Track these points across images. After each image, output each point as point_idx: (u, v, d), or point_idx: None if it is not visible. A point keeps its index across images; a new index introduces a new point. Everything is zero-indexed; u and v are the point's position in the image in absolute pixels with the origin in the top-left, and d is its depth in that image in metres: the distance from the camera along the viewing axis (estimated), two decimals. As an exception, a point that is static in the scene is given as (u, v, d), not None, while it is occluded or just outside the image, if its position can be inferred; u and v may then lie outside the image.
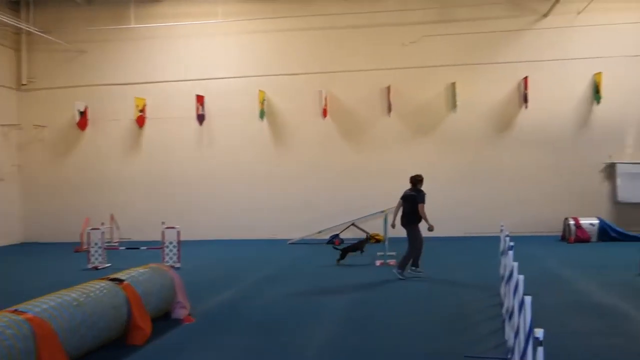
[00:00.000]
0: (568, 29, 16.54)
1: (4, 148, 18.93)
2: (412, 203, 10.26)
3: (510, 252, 6.49)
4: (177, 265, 12.35)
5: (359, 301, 8.59)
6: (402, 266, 10.27)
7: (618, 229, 15.10)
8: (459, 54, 17.15)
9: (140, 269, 7.46)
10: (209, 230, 17.96)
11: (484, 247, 14.48)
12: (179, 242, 12.57)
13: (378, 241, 15.96)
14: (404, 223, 10.41)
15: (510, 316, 5.59)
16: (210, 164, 18.32)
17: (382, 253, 12.45)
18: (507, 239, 7.61)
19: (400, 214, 10.58)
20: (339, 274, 11.09)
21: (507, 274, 6.67)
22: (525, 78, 16.50)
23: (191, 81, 18.25)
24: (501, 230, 7.96)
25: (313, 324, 7.26)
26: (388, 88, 17.17)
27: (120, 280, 6.65)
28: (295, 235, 16.99)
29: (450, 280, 10.12)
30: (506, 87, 16.97)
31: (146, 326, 6.62)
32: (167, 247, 12.65)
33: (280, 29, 17.89)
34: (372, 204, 16.53)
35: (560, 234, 15.52)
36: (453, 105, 16.95)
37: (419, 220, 10.21)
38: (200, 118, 18.16)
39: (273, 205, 17.83)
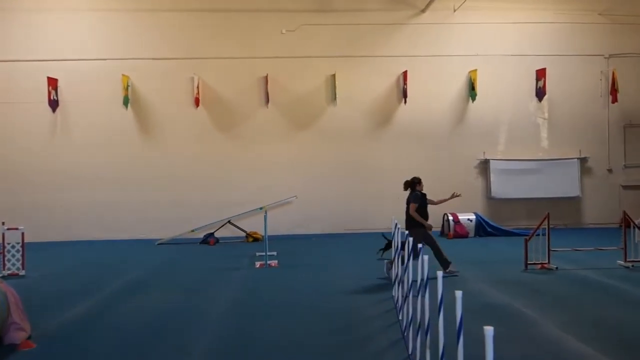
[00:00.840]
0: (445, 25, 16.69)
1: None
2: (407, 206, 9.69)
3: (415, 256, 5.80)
4: (22, 273, 10.45)
5: (237, 312, 7.51)
6: (446, 266, 9.33)
7: (493, 224, 15.44)
8: (338, 45, 16.64)
9: (-43, 284, 5.80)
10: (62, 231, 15.83)
11: (366, 244, 14.07)
12: (23, 246, 10.60)
13: (256, 240, 14.97)
14: (407, 227, 9.56)
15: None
16: (66, 156, 16.16)
17: (261, 253, 11.44)
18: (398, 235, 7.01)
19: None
20: (215, 279, 9.89)
21: (402, 275, 6.03)
22: (405, 73, 16.38)
23: (42, 62, 15.93)
24: (395, 227, 7.30)
25: (182, 343, 6.07)
26: (265, 78, 16.22)
27: None
28: (165, 234, 15.45)
29: (339, 281, 9.36)
30: (386, 82, 16.77)
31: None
32: (9, 251, 10.63)
33: (147, 7, 16.23)
34: (250, 201, 15.57)
35: (439, 229, 15.55)
36: (333, 97, 16.41)
37: (420, 223, 9.50)
38: (53, 104, 15.92)
39: (139, 202, 16.11)
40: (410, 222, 9.53)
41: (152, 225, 15.97)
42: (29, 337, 6.21)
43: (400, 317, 6.62)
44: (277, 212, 15.65)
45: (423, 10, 16.66)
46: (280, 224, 15.58)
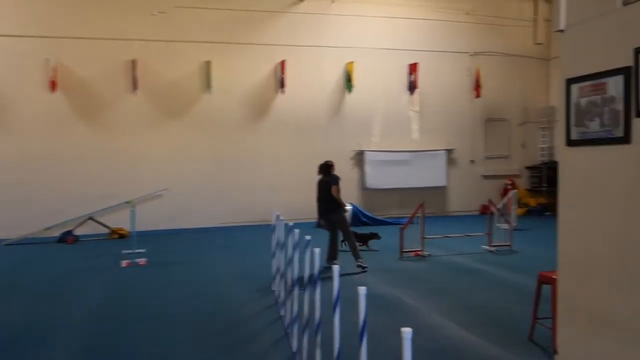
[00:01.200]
0: (323, 16, 16.58)
1: None
2: (327, 189, 9.32)
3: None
4: None
5: (101, 317, 6.71)
6: (358, 257, 9.04)
7: (368, 213, 15.67)
8: (214, 31, 15.86)
9: None
10: None
11: (242, 237, 13.64)
12: None
13: (123, 237, 13.87)
14: (325, 212, 9.39)
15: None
16: None
17: (128, 251, 10.52)
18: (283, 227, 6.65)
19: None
20: (74, 281, 8.87)
21: (285, 268, 5.67)
22: (282, 62, 16.06)
23: None
24: (277, 219, 6.92)
25: (40, 356, 5.23)
26: (133, 62, 15.05)
27: None
28: (13, 233, 13.74)
29: (214, 278, 8.81)
30: (263, 70, 16.29)
31: None
32: None
33: (-7, -24, 14.30)
34: (116, 194, 14.35)
35: (315, 220, 15.43)
36: (208, 86, 15.65)
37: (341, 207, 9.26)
38: None
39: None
40: (332, 206, 9.32)
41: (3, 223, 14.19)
42: None
43: (282, 313, 6.28)
44: (146, 206, 14.60)
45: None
46: (150, 219, 14.58)
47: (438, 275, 8.69)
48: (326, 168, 9.58)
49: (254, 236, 13.62)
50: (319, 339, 4.28)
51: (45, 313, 6.85)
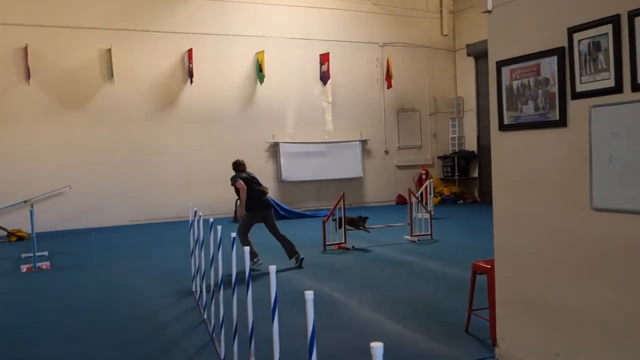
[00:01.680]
0: (232, 3, 16.02)
1: None
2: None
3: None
4: None
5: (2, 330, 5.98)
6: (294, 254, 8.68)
7: (286, 207, 15.38)
8: (114, 17, 14.85)
9: None
10: None
11: (152, 235, 12.93)
12: None
13: (22, 239, 12.71)
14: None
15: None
16: None
17: (29, 255, 9.59)
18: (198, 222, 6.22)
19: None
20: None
21: (206, 267, 5.25)
22: (190, 51, 15.36)
23: None
24: (196, 215, 6.45)
25: None
26: (25, 49, 13.79)
27: None
28: None
29: (126, 281, 8.18)
30: (170, 60, 15.50)
31: None
32: None
33: None
34: (11, 193, 13.11)
35: (231, 215, 14.97)
36: (110, 75, 14.67)
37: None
38: None
39: None
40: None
41: None
42: None
43: (205, 317, 5.87)
44: (47, 205, 13.47)
45: (208, -15, 15.77)
46: (52, 218, 13.50)
47: (363, 267, 8.58)
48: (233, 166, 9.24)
49: (167, 234, 12.95)
50: (252, 345, 3.95)
51: None
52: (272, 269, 3.19)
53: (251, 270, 7.62)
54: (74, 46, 14.52)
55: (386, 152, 18.41)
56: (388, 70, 17.77)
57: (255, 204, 8.63)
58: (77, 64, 14.61)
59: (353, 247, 9.98)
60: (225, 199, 15.07)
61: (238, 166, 9.14)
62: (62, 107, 14.48)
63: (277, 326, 3.34)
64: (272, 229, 8.77)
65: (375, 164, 18.18)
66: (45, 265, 9.40)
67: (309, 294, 2.46)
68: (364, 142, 17.86)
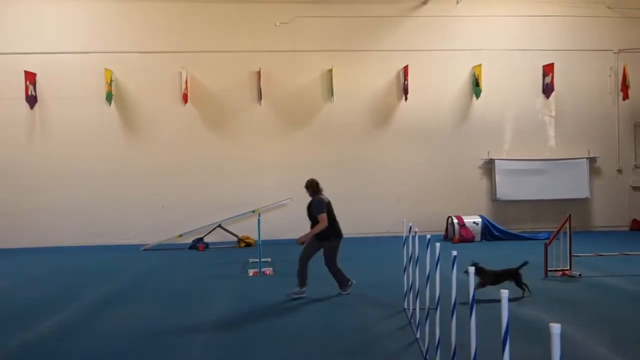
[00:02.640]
0: (448, 18, 15.83)
1: None
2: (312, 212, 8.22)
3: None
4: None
5: (229, 327, 6.56)
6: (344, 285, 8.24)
7: (500, 227, 14.56)
8: (335, 39, 15.73)
9: None
10: (40, 236, 14.78)
11: (364, 249, 13.18)
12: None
13: (249, 245, 14.02)
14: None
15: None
16: (45, 155, 15.07)
17: (255, 260, 10.48)
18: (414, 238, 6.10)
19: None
20: (203, 289, 8.92)
21: (410, 284, 5.08)
22: (405, 68, 15.51)
23: (17, 55, 14.88)
24: (410, 231, 6.37)
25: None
26: (258, 73, 15.27)
27: None
28: (151, 240, 14.46)
29: (340, 293, 8.42)
30: (386, 77, 15.86)
31: None
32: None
33: (132, -3, 15.21)
34: (242, 203, 14.64)
35: (442, 233, 14.66)
36: (330, 94, 15.50)
37: (325, 235, 8.11)
38: (31, 100, 14.88)
39: (123, 205, 15.08)
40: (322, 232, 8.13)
41: (136, 230, 14.97)
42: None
43: (419, 336, 5.72)
44: (271, 215, 14.72)
45: (424, 2, 15.79)
46: (275, 227, 14.64)
47: (593, 299, 7.62)
48: (308, 188, 8.46)
49: (377, 248, 13.14)
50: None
51: (172, 318, 6.84)
52: (505, 294, 2.91)
53: (296, 298, 7.21)
54: (298, 68, 15.67)
55: (619, 170, 16.37)
56: (624, 80, 15.81)
57: (337, 231, 8.17)
58: (302, 84, 15.72)
59: (580, 275, 8.96)
60: (437, 214, 14.90)
61: (317, 187, 8.34)
62: (287, 125, 15.69)
63: (508, 353, 3.02)
64: (335, 258, 8.21)
65: (605, 183, 16.28)
66: (268, 270, 10.18)
67: (555, 327, 2.15)
68: (592, 160, 16.11)
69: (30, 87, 14.91)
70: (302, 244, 8.15)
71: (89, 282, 9.59)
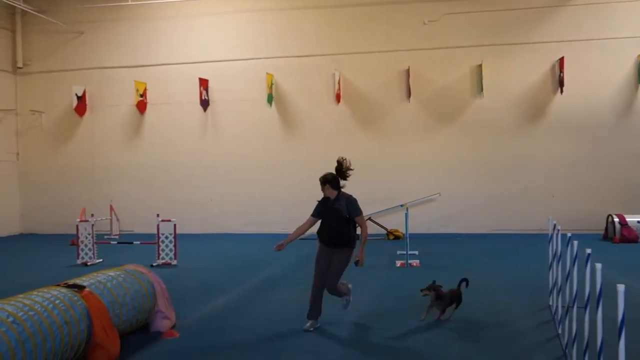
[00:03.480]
0: (608, 4, 14.92)
1: (1, 134, 17.83)
2: (338, 216, 6.59)
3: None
4: (174, 262, 11.16)
5: (374, 313, 7.20)
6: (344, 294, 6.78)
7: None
8: (484, 34, 15.61)
9: (112, 272, 6.16)
10: (211, 224, 16.74)
11: (513, 247, 13.06)
12: (176, 237, 11.29)
13: (397, 238, 14.59)
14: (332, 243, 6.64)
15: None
16: (215, 152, 17.00)
17: (402, 252, 11.02)
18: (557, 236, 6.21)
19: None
20: (351, 278, 9.65)
21: (555, 281, 5.24)
22: (561, 59, 14.92)
23: (194, 64, 16.93)
24: (554, 229, 6.48)
25: (318, 342, 5.89)
26: (407, 71, 15.70)
27: (80, 287, 5.34)
28: (308, 231, 15.63)
29: (485, 284, 8.65)
30: (539, 70, 15.40)
31: (112, 345, 5.29)
32: (163, 242, 11.39)
33: (290, 6, 16.48)
34: (391, 198, 15.23)
35: (601, 232, 13.96)
36: (479, 90, 15.45)
37: (348, 241, 6.60)
38: (204, 104, 16.85)
39: (282, 198, 16.47)
40: (344, 239, 6.60)
41: (295, 220, 16.21)
42: (173, 326, 6.45)
43: (560, 332, 5.87)
44: (419, 209, 15.13)
45: (580, -11, 15.07)
46: (422, 222, 15.02)
47: None
48: (330, 182, 6.79)
49: (526, 246, 12.95)
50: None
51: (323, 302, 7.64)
52: (621, 288, 3.16)
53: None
54: (447, 65, 15.83)
55: None
56: None
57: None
58: (450, 81, 15.86)
59: None
60: (596, 212, 14.25)
61: (337, 181, 6.82)
62: (435, 121, 15.94)
63: (624, 347, 3.26)
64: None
65: None
66: (415, 262, 10.66)
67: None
68: None
69: (204, 92, 16.87)
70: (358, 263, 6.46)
71: (254, 266, 10.86)
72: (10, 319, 4.37)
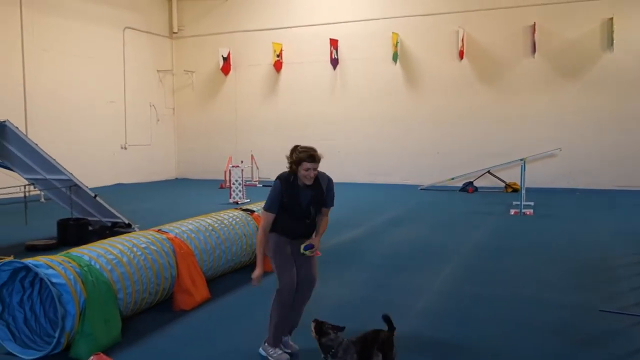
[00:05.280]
0: None
1: (161, 92, 20.61)
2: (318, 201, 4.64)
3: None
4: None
5: (487, 247, 8.32)
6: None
7: None
8: (622, -15, 15.26)
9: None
10: (340, 174, 18.26)
11: (636, 203, 13.15)
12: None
13: (515, 191, 15.24)
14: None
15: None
16: (344, 107, 18.42)
17: (517, 202, 11.82)
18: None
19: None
20: (468, 220, 10.78)
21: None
22: (701, 11, 14.33)
23: (324, 25, 18.28)
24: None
25: (435, 266, 7.18)
26: (533, 26, 15.85)
27: (251, 211, 7.03)
28: (427, 181, 16.76)
29: (595, 234, 9.34)
30: (678, 23, 14.86)
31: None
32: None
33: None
34: (509, 152, 15.80)
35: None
36: (609, 44, 15.26)
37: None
38: (334, 62, 18.23)
39: (405, 151, 17.62)
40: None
41: (415, 172, 17.38)
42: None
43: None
44: (538, 164, 15.56)
45: None
46: (542, 176, 15.47)
47: None
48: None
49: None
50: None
51: (440, 239, 8.89)
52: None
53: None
54: (575, 19, 15.72)
55: None
56: None
57: None
58: (578, 35, 15.78)
59: None
60: None
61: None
62: (561, 77, 16.02)
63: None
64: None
65: None
66: (529, 212, 11.43)
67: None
68: None
69: (334, 52, 18.23)
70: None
71: (378, 209, 12.30)
72: (210, 228, 6.14)
